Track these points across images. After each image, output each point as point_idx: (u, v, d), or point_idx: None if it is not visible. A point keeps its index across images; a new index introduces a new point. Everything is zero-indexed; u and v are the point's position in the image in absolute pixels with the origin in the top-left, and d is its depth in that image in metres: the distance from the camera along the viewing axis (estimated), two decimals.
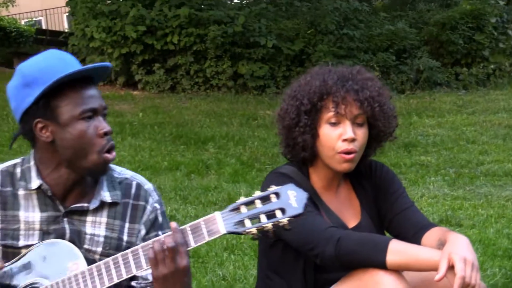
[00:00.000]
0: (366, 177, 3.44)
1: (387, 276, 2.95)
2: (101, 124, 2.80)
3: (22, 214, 2.89)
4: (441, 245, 3.01)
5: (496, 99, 14.91)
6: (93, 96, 2.81)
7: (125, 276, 2.73)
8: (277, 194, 2.61)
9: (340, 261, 3.04)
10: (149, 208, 3.01)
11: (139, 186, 3.03)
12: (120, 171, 3.06)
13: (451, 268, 2.84)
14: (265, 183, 3.28)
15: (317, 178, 3.34)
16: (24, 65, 2.85)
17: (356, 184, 3.43)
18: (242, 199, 2.63)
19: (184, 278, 2.70)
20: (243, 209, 2.61)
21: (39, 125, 2.80)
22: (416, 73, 16.77)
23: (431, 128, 11.63)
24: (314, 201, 3.26)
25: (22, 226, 2.90)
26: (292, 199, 2.60)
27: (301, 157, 3.30)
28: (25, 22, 31.49)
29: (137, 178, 3.06)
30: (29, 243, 2.88)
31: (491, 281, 5.03)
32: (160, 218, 3.04)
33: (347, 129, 3.20)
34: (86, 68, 2.80)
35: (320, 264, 3.13)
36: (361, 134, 3.23)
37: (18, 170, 2.93)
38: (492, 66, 18.08)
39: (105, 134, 2.80)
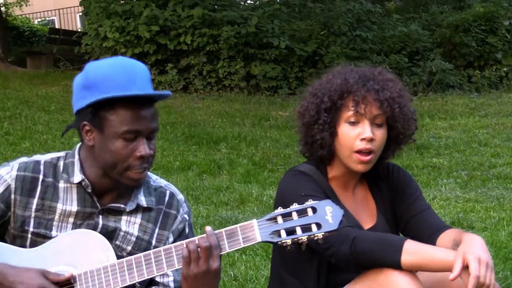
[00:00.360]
0: (383, 179, 3.44)
1: (402, 276, 2.96)
2: (140, 147, 2.82)
3: (60, 207, 2.94)
4: (456, 245, 3.01)
5: (508, 102, 14.88)
6: (142, 118, 2.82)
7: (155, 273, 2.78)
8: (313, 209, 2.69)
9: (355, 260, 3.05)
10: (179, 218, 3.08)
11: (172, 195, 3.10)
12: (156, 179, 3.12)
13: (465, 268, 2.85)
14: (283, 180, 3.31)
15: (334, 177, 3.36)
16: (91, 66, 2.89)
17: (373, 185, 3.44)
18: (280, 209, 2.71)
19: (213, 280, 2.75)
20: (280, 219, 2.69)
21: (86, 128, 2.86)
22: (428, 75, 16.75)
23: (443, 130, 11.61)
24: (331, 199, 3.27)
25: (56, 217, 2.94)
26: (328, 215, 2.68)
27: (318, 155, 3.32)
28: (38, 21, 31.62)
29: (171, 188, 3.13)
30: (64, 234, 2.92)
31: (503, 284, 5.02)
32: (187, 229, 3.10)
33: (365, 129, 3.21)
34: (144, 95, 2.81)
35: (335, 264, 3.14)
36: (380, 134, 3.24)
37: (61, 163, 2.99)
38: (505, 69, 18.03)
39: (141, 157, 2.83)
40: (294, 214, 2.68)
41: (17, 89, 14.70)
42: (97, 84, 2.81)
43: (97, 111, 2.81)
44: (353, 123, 3.23)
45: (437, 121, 12.34)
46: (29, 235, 2.94)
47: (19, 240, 2.96)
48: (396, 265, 2.98)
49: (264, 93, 15.52)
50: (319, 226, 2.65)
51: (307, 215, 2.67)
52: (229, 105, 13.89)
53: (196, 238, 2.74)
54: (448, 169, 9.10)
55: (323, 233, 2.65)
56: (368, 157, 3.22)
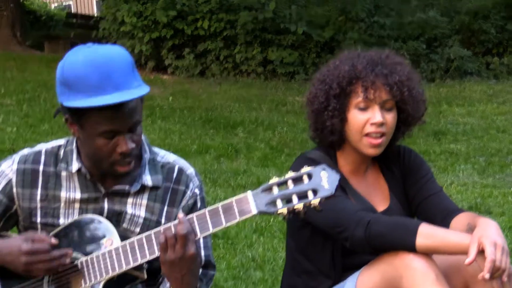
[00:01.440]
0: (395, 162, 3.44)
1: (418, 259, 2.96)
2: (121, 144, 2.78)
3: (63, 195, 2.95)
4: (470, 229, 3.01)
5: None
6: (119, 117, 2.75)
7: (157, 253, 2.76)
8: (309, 175, 2.61)
9: (370, 244, 3.05)
10: (189, 193, 3.04)
11: (181, 170, 3.06)
12: (163, 155, 3.07)
13: (481, 252, 2.85)
14: (293, 166, 3.30)
15: (344, 163, 3.35)
16: (66, 62, 2.80)
17: (385, 168, 3.43)
18: (275, 179, 2.63)
19: (191, 265, 2.73)
20: (275, 189, 2.62)
21: (69, 121, 2.82)
22: (446, 62, 16.67)
23: (461, 116, 11.58)
24: (342, 185, 3.26)
25: (62, 205, 2.95)
26: (324, 180, 2.60)
27: (329, 141, 3.31)
28: (55, 6, 31.65)
29: (180, 162, 3.08)
30: (69, 221, 2.94)
31: None
32: (199, 204, 3.07)
33: (375, 114, 3.20)
34: (116, 102, 2.70)
35: (349, 248, 3.14)
36: (390, 118, 3.24)
37: (62, 151, 2.99)
38: None
39: (122, 153, 2.81)
40: (290, 182, 2.60)
41: (35, 72, 14.73)
42: (72, 83, 2.73)
43: (76, 110, 2.75)
44: (362, 109, 3.23)
45: (455, 107, 12.30)
46: (39, 226, 2.97)
47: (30, 231, 2.98)
48: (411, 249, 2.98)
49: (281, 78, 15.49)
50: (315, 192, 2.58)
51: (303, 182, 2.59)
52: (246, 90, 13.88)
53: (171, 224, 2.72)
54: (466, 155, 9.09)
55: (319, 199, 2.57)
56: (379, 140, 3.22)
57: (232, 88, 14.16)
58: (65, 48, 19.52)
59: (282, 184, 2.62)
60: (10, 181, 2.95)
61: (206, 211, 2.70)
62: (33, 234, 2.85)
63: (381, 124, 3.20)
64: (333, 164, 3.32)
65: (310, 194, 2.59)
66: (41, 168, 2.96)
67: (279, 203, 2.60)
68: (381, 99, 3.21)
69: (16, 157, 2.99)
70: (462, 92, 14.20)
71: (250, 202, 2.63)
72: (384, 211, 3.34)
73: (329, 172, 2.62)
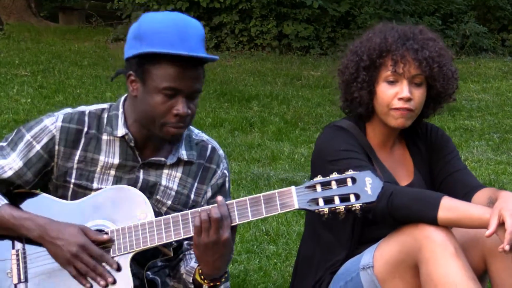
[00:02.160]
0: (421, 138, 3.46)
1: (438, 232, 2.97)
2: (179, 105, 2.83)
3: (102, 159, 2.97)
4: (491, 203, 3.03)
5: None
6: (184, 77, 2.82)
7: (192, 233, 2.78)
8: (353, 179, 2.69)
9: (392, 215, 3.07)
10: (219, 172, 3.09)
11: (213, 150, 3.11)
12: (198, 133, 3.14)
13: (501, 224, 2.86)
14: (322, 135, 3.33)
15: (373, 134, 3.37)
16: (146, 17, 2.90)
17: (411, 144, 3.45)
18: (319, 178, 2.72)
19: (224, 249, 2.76)
20: (319, 188, 2.70)
21: (131, 78, 2.89)
22: (462, 38, 16.59)
23: (475, 93, 11.54)
24: (369, 156, 3.29)
25: (98, 169, 2.97)
26: (367, 186, 2.68)
27: (357, 112, 3.33)
28: None
29: (213, 142, 3.15)
30: (102, 186, 2.96)
31: None
32: (226, 185, 3.14)
33: (403, 88, 3.22)
34: (187, 55, 2.79)
35: (371, 218, 3.16)
36: (418, 94, 3.24)
37: (105, 115, 3.02)
38: None
39: (177, 115, 2.84)
40: (333, 183, 2.69)
41: (50, 43, 14.75)
42: (147, 36, 2.82)
43: (143, 63, 2.83)
44: (391, 82, 3.24)
45: (470, 84, 12.25)
46: (71, 186, 2.99)
47: (61, 190, 3.00)
48: (433, 221, 2.99)
49: (296, 52, 15.44)
50: (357, 196, 2.66)
51: (346, 185, 2.68)
52: (261, 64, 13.85)
53: (208, 207, 2.75)
54: (480, 131, 9.06)
55: (361, 204, 2.65)
56: (405, 112, 3.23)
57: (247, 61, 14.14)
58: (79, 19, 19.55)
59: (325, 184, 2.70)
60: (53, 138, 2.96)
61: (247, 199, 2.74)
62: (89, 229, 2.86)
63: (408, 99, 3.21)
64: (362, 135, 3.35)
65: (352, 198, 2.68)
66: (85, 129, 2.98)
67: (321, 202, 2.69)
68: (410, 74, 3.22)
69: (60, 114, 3.01)
70: (477, 68, 14.14)
71: (293, 197, 2.71)
72: (407, 185, 3.36)
73: (373, 179, 2.70)
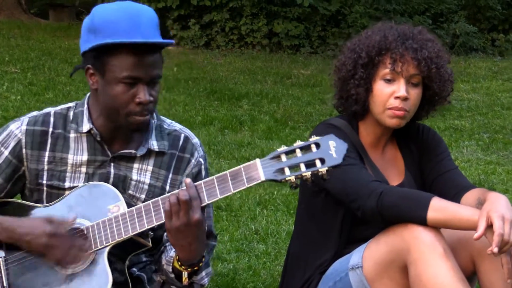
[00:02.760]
0: (413, 139, 3.46)
1: (426, 232, 2.98)
2: (140, 93, 2.84)
3: (71, 157, 2.97)
4: (480, 204, 3.03)
5: None
6: (143, 65, 2.83)
7: (164, 219, 2.77)
8: (317, 144, 2.65)
9: (381, 214, 3.07)
10: (193, 161, 3.08)
11: (186, 139, 3.09)
12: (170, 123, 3.12)
13: (489, 226, 2.86)
14: (315, 131, 3.33)
15: (365, 133, 3.38)
16: (98, 9, 2.90)
17: (403, 145, 3.46)
18: (283, 147, 2.67)
19: (196, 231, 2.74)
20: (283, 157, 2.65)
21: (89, 71, 2.90)
22: (452, 38, 16.61)
23: (465, 93, 11.55)
24: (360, 155, 3.30)
25: (69, 168, 2.97)
26: (332, 149, 2.64)
27: (352, 110, 3.34)
28: None
29: (186, 131, 3.13)
30: (75, 184, 2.96)
31: None
32: (203, 173, 3.11)
33: (400, 87, 3.23)
34: (143, 42, 2.81)
35: (361, 217, 3.17)
36: (415, 94, 3.26)
37: (71, 113, 3.02)
38: None
39: (140, 103, 2.84)
40: (298, 151, 2.65)
41: (40, 40, 14.69)
42: (101, 28, 2.82)
43: (100, 55, 2.83)
44: (389, 81, 3.25)
45: (460, 83, 12.25)
46: (44, 188, 2.99)
47: (36, 193, 3.00)
48: (422, 221, 3.00)
49: (286, 51, 15.43)
50: (323, 161, 2.62)
51: (311, 151, 2.64)
52: (251, 62, 13.84)
53: (177, 191, 2.73)
54: (470, 131, 9.07)
55: (327, 168, 2.61)
56: (401, 112, 3.23)
57: (237, 60, 14.12)
58: (70, 16, 19.50)
59: (290, 153, 2.66)
60: (19, 142, 2.97)
61: (214, 177, 2.72)
62: (53, 217, 2.86)
63: (404, 99, 3.22)
64: (355, 134, 3.36)
65: (318, 163, 2.63)
66: (50, 130, 2.98)
67: (287, 171, 2.64)
68: (408, 73, 3.23)
69: (25, 118, 3.01)
70: (467, 68, 14.16)
71: (259, 169, 2.66)
72: (397, 185, 3.37)
73: (337, 142, 2.66)
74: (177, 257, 2.86)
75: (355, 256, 3.19)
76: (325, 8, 16.02)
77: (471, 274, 3.19)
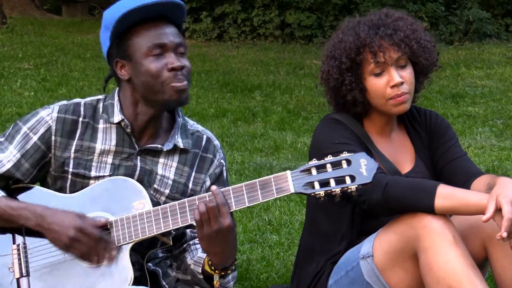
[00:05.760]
0: (421, 124, 3.45)
1: (435, 220, 2.98)
2: (170, 59, 2.90)
3: (98, 147, 3.00)
4: (489, 189, 3.03)
5: None
6: (164, 33, 2.91)
7: (189, 221, 2.80)
8: (348, 161, 2.69)
9: (388, 206, 3.07)
10: (216, 162, 3.12)
11: (209, 140, 3.15)
12: (193, 124, 3.18)
13: (498, 210, 2.86)
14: (318, 127, 3.34)
15: (370, 124, 3.38)
16: (105, 12, 2.99)
17: (411, 129, 3.45)
18: (314, 161, 2.72)
19: (228, 236, 2.76)
20: (314, 171, 2.70)
21: (119, 65, 2.96)
22: (465, 24, 16.51)
23: (479, 79, 11.49)
24: (367, 146, 3.29)
25: (95, 158, 3.00)
26: (363, 167, 2.69)
27: (354, 112, 3.34)
28: None
29: (208, 133, 3.19)
30: (100, 174, 2.98)
31: None
32: (224, 174, 3.16)
33: (392, 75, 3.22)
34: (148, 3, 2.88)
35: (367, 210, 3.17)
36: (407, 74, 3.26)
37: (101, 105, 3.06)
38: None
39: (173, 69, 2.89)
40: (329, 166, 2.69)
41: (53, 36, 14.74)
42: (111, 19, 2.91)
43: (121, 43, 2.92)
44: (378, 74, 3.25)
45: (473, 70, 12.21)
46: (69, 176, 3.00)
47: (59, 181, 3.02)
48: (430, 210, 3.00)
49: (299, 41, 15.41)
50: (353, 178, 2.66)
51: (341, 167, 2.68)
52: (263, 54, 13.83)
53: (205, 195, 2.76)
54: (484, 117, 9.03)
55: (356, 186, 2.66)
56: (403, 97, 3.24)
57: (250, 51, 14.12)
58: (82, 12, 19.55)
59: (321, 167, 2.70)
60: (49, 128, 2.99)
61: (243, 185, 2.74)
62: (86, 214, 2.88)
63: (401, 84, 3.22)
64: (359, 125, 3.35)
65: (347, 180, 2.67)
66: (80, 119, 3.01)
67: (316, 185, 2.68)
68: (392, 59, 3.23)
69: (56, 106, 3.04)
70: (481, 54, 14.08)
71: (289, 181, 2.69)
72: (408, 172, 3.36)
73: (368, 160, 2.70)
74: (209, 262, 2.88)
75: (365, 246, 3.19)
76: None
77: (483, 260, 3.19)
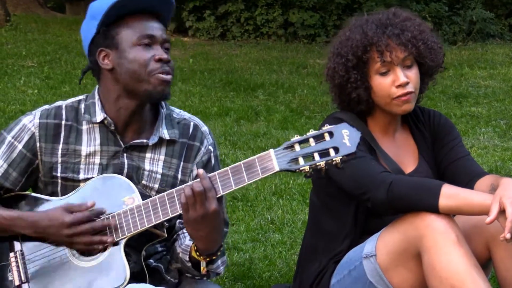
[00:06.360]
0: (425, 124, 3.45)
1: (439, 219, 2.97)
2: (157, 51, 2.91)
3: (84, 149, 2.99)
4: (493, 190, 3.02)
5: None
6: (152, 26, 2.93)
7: (179, 211, 2.79)
8: (330, 133, 2.65)
9: (392, 205, 3.07)
10: (203, 149, 3.09)
11: (196, 127, 3.11)
12: (179, 112, 3.15)
13: (502, 211, 2.86)
14: (321, 126, 3.32)
15: (374, 124, 3.37)
16: (91, 4, 2.99)
17: (415, 129, 3.45)
18: (296, 137, 2.68)
19: (214, 221, 2.76)
20: (297, 147, 2.66)
21: (102, 54, 2.95)
22: (469, 24, 16.49)
23: (482, 79, 11.48)
24: (371, 145, 3.29)
25: (82, 160, 2.99)
26: (345, 138, 2.64)
27: (358, 110, 3.34)
28: None
29: (195, 119, 3.15)
30: (89, 176, 2.98)
31: None
32: (213, 161, 3.12)
33: (398, 75, 3.22)
34: None
35: (371, 208, 3.17)
36: (413, 75, 3.26)
37: (82, 105, 3.03)
38: None
39: (160, 60, 2.89)
40: (311, 140, 2.65)
41: (56, 34, 14.73)
42: (101, 9, 2.91)
43: (108, 32, 2.92)
44: (384, 73, 3.25)
45: (477, 70, 12.20)
46: (59, 181, 3.01)
47: (50, 186, 3.02)
48: (434, 209, 2.99)
49: (302, 41, 15.41)
50: (336, 150, 2.63)
51: (324, 140, 2.64)
52: (266, 53, 13.84)
53: (191, 183, 2.75)
54: (487, 118, 9.02)
55: (341, 157, 2.62)
56: (408, 96, 3.24)
57: (253, 50, 14.12)
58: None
59: (303, 142, 2.67)
60: (33, 135, 2.99)
61: (228, 168, 2.73)
62: (70, 204, 2.89)
63: (406, 84, 3.22)
64: (363, 125, 3.35)
65: (331, 152, 2.63)
66: (63, 122, 3.00)
67: (301, 160, 2.65)
68: (399, 59, 3.22)
69: (37, 112, 3.03)
70: (484, 55, 14.07)
71: (273, 160, 2.67)
72: (411, 172, 3.36)
73: (350, 130, 2.66)
74: (195, 247, 2.88)
75: (368, 245, 3.19)
76: None
77: (486, 261, 3.19)
